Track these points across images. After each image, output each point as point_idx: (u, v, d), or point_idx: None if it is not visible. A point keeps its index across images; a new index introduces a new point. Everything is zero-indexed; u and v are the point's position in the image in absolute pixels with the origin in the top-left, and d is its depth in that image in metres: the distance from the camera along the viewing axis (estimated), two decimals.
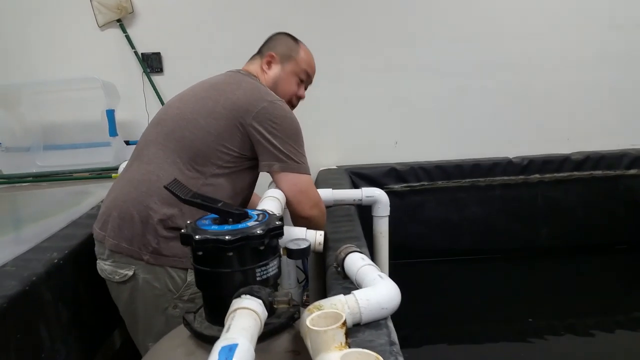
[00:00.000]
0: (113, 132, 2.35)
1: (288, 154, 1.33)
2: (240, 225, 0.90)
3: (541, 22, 2.66)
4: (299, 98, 1.61)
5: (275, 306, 0.90)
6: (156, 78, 2.63)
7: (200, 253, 0.88)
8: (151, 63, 2.62)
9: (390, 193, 2.59)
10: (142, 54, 2.61)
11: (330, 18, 2.62)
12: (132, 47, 2.59)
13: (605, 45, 2.70)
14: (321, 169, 2.65)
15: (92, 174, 2.28)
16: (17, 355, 1.02)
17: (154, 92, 2.60)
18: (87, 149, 2.51)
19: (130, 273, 1.24)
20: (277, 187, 1.37)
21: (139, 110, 2.61)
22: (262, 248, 0.89)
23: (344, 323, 0.80)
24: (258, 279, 0.90)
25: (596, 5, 2.67)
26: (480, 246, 2.73)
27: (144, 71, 2.60)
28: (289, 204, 1.38)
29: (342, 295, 0.96)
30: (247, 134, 1.32)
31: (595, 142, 2.77)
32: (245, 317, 0.80)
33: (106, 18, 2.56)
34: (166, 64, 2.64)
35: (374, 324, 0.96)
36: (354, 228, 1.59)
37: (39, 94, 2.52)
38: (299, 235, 1.29)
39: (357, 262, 1.14)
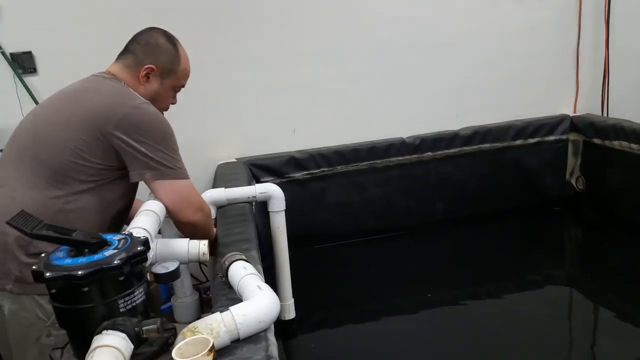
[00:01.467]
0: None
1: (160, 160, 1.27)
2: (96, 257, 0.85)
3: (420, 2, 2.74)
4: (172, 104, 1.55)
5: (144, 336, 0.87)
6: (30, 79, 2.42)
7: (53, 291, 0.83)
8: (22, 63, 2.40)
9: (291, 182, 2.65)
10: (11, 53, 2.38)
11: (218, 5, 2.53)
12: None
13: (485, 22, 2.83)
14: (219, 162, 2.59)
15: None
16: None
17: (28, 94, 2.40)
18: None
19: None
20: (155, 196, 1.32)
21: (14, 115, 2.37)
22: (121, 278, 0.85)
23: (211, 349, 0.79)
24: (122, 309, 0.87)
25: None
26: (382, 226, 2.82)
27: (15, 72, 2.38)
28: (169, 213, 1.33)
29: (218, 314, 0.95)
30: (109, 144, 1.24)
31: (482, 117, 2.92)
32: (104, 355, 0.77)
33: None
34: (40, 63, 2.43)
35: (254, 338, 0.96)
36: (245, 229, 1.57)
37: None
38: (181, 248, 1.26)
39: (239, 271, 1.13)
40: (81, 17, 2.42)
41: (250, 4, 2.57)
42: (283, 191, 2.56)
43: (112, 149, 1.24)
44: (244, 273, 1.10)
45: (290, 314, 1.96)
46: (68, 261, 0.84)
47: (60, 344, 0.96)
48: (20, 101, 2.40)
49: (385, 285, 2.42)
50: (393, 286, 2.41)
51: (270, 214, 1.86)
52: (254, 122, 2.70)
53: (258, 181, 2.58)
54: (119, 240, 0.91)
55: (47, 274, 0.81)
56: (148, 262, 1.19)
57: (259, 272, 1.24)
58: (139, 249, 0.88)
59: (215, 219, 1.75)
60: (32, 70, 2.43)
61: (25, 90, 2.40)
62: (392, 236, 2.83)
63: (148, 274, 0.92)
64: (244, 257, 1.19)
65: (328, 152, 2.69)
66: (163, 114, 1.47)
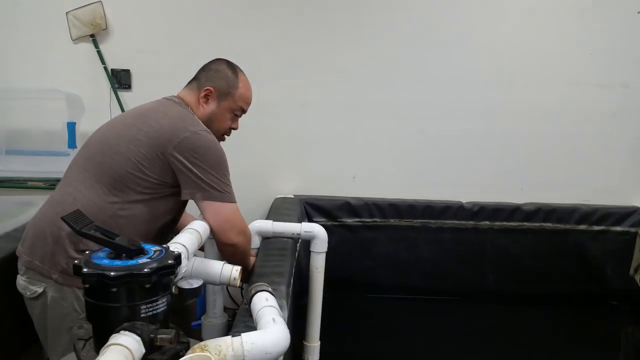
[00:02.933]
0: (72, 144, 2.38)
1: (210, 183, 1.37)
2: (130, 262, 0.93)
3: (505, 72, 2.74)
4: (233, 129, 1.65)
5: (157, 343, 0.94)
6: (124, 94, 2.68)
7: (87, 286, 0.92)
8: (120, 79, 2.66)
9: (342, 226, 2.70)
10: (112, 69, 2.66)
11: (297, 49, 2.69)
12: (103, 62, 2.64)
13: (565, 101, 2.79)
14: (277, 196, 2.69)
15: (45, 184, 2.31)
16: None
17: (119, 107, 2.64)
18: (47, 156, 2.54)
19: (40, 290, 1.27)
20: (202, 215, 1.42)
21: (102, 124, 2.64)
22: (147, 286, 0.92)
23: None
24: (143, 315, 0.94)
25: (557, 61, 2.76)
26: (428, 286, 2.77)
27: (112, 86, 2.65)
28: (213, 233, 1.42)
29: (229, 338, 1.00)
30: (167, 163, 1.36)
31: (548, 195, 2.84)
32: (115, 353, 0.83)
33: (80, 32, 2.61)
34: (135, 81, 2.69)
35: None
36: (283, 263, 1.62)
37: (6, 100, 2.55)
38: (215, 269, 1.34)
39: (260, 302, 1.17)
40: (176, 43, 2.67)
41: (326, 53, 2.70)
42: (333, 234, 2.65)
43: (169, 167, 1.36)
44: (264, 304, 1.15)
45: (314, 356, 1.97)
46: (105, 262, 0.93)
47: (86, 337, 1.04)
48: (111, 113, 2.65)
49: (417, 347, 2.36)
50: (425, 350, 2.35)
51: (311, 254, 1.90)
52: (316, 163, 2.79)
53: (310, 220, 2.66)
54: (155, 251, 1.00)
55: (84, 270, 0.90)
56: (180, 277, 1.29)
57: (282, 306, 1.28)
58: (169, 262, 0.96)
59: (258, 248, 1.83)
60: (127, 86, 2.68)
61: (117, 103, 2.64)
62: (435, 299, 2.77)
63: (174, 287, 0.99)
64: (270, 289, 1.24)
65: (383, 203, 2.71)
66: (224, 137, 1.62)
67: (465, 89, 2.74)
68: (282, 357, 1.13)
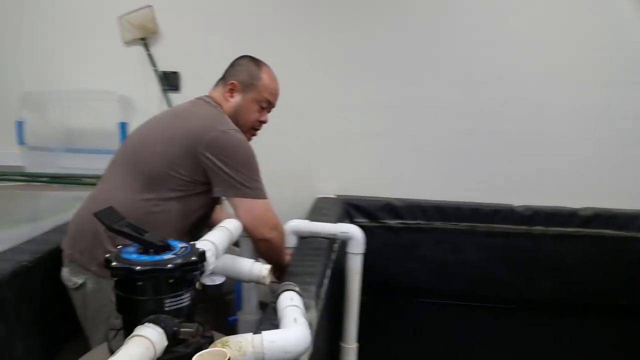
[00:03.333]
0: None
1: (241, 180, 1.39)
2: (156, 258, 0.96)
3: (563, 70, 2.62)
4: (262, 123, 1.65)
5: (180, 336, 0.96)
6: (173, 95, 2.77)
7: (116, 279, 0.96)
8: (169, 81, 2.76)
9: (384, 228, 2.67)
10: (162, 72, 2.75)
11: (340, 49, 2.68)
12: (153, 65, 2.74)
13: (628, 102, 2.63)
14: (319, 196, 2.70)
15: (97, 181, 2.41)
16: None
17: (167, 107, 2.74)
18: (102, 155, 2.66)
19: (81, 281, 1.33)
20: (234, 213, 1.44)
21: None
22: (171, 281, 0.95)
23: None
24: (167, 308, 0.96)
25: (621, 61, 2.61)
26: (474, 291, 2.69)
27: (161, 88, 2.74)
28: (246, 229, 1.43)
29: (250, 334, 1.01)
30: (199, 162, 1.39)
31: (607, 200, 2.68)
32: (136, 344, 0.86)
33: (131, 36, 2.72)
34: (183, 82, 2.78)
35: None
36: (316, 264, 1.62)
37: (65, 101, 2.70)
38: (244, 267, 1.35)
39: (285, 301, 1.18)
40: (223, 45, 2.71)
41: (369, 53, 2.68)
42: (374, 236, 2.64)
43: (200, 166, 1.39)
44: (288, 303, 1.15)
45: (352, 358, 1.96)
46: (134, 256, 0.97)
47: (119, 327, 1.09)
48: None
49: (459, 355, 2.29)
50: (468, 358, 2.28)
51: (347, 255, 1.89)
52: (360, 163, 2.78)
53: (352, 221, 2.64)
54: (181, 248, 1.02)
55: (113, 263, 0.94)
56: (209, 273, 1.31)
57: (309, 307, 1.29)
58: (192, 258, 0.98)
59: (295, 247, 1.84)
60: (176, 88, 2.77)
61: (166, 105, 2.74)
62: (482, 306, 2.68)
63: (198, 283, 1.01)
64: (297, 290, 1.24)
65: (427, 205, 2.66)
66: (255, 132, 1.64)
67: (517, 85, 2.64)
68: (305, 357, 1.13)
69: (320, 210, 2.38)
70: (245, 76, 1.58)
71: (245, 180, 1.40)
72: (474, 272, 2.68)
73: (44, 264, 1.38)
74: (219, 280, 1.01)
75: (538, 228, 2.61)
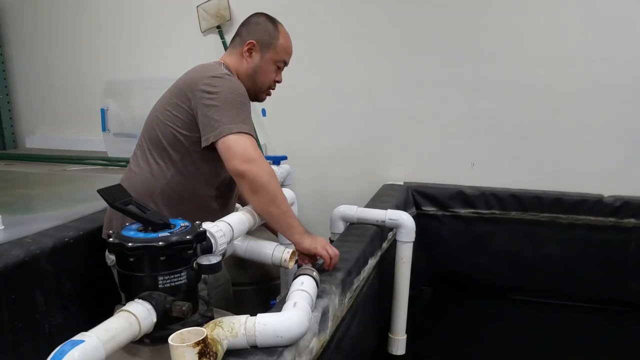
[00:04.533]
0: None
1: (222, 121, 1.30)
2: (151, 235, 0.98)
3: None
4: (277, 82, 1.59)
5: (174, 314, 0.98)
6: None
7: (113, 255, 0.99)
8: None
9: (455, 217, 2.53)
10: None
11: (415, 27, 2.55)
12: None
13: None
14: (386, 183, 2.61)
15: None
16: (8, 310, 1.24)
17: None
18: None
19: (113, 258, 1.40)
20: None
21: None
22: (162, 258, 0.96)
23: (199, 343, 0.84)
24: (161, 286, 0.98)
25: None
26: (554, 289, 2.45)
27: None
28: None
29: (245, 316, 1.00)
30: (193, 114, 1.35)
31: None
32: (119, 318, 0.89)
33: (208, 24, 2.83)
34: None
35: (271, 350, 0.98)
36: (354, 250, 1.57)
37: (145, 90, 2.87)
38: (267, 250, 1.35)
39: (295, 284, 1.16)
40: (291, 31, 2.72)
41: (446, 32, 2.52)
42: (444, 225, 2.52)
43: (194, 118, 1.35)
44: (296, 287, 1.12)
45: (399, 349, 1.88)
46: (131, 234, 0.99)
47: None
48: None
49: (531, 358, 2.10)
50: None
51: (397, 243, 1.80)
52: (431, 149, 2.64)
53: (418, 208, 2.53)
54: (182, 226, 1.03)
55: (110, 239, 0.98)
56: (228, 254, 1.32)
57: (327, 292, 1.24)
58: (187, 237, 0.99)
59: (340, 233, 1.80)
60: None
61: None
62: (562, 305, 2.43)
63: (194, 263, 1.01)
64: (314, 275, 1.20)
65: (503, 194, 2.46)
66: (270, 92, 1.58)
67: (609, 65, 2.34)
68: (313, 343, 1.10)
69: (380, 197, 2.31)
70: (264, 35, 1.51)
71: (228, 120, 1.30)
72: (553, 267, 2.44)
73: (88, 240, 1.47)
74: (215, 259, 1.00)
75: (629, 221, 2.31)
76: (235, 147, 1.28)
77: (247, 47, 1.50)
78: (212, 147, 1.32)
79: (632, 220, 2.32)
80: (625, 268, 2.36)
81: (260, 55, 1.51)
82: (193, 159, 1.40)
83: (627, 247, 2.34)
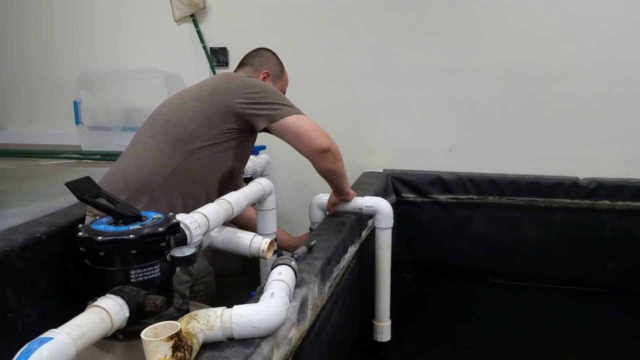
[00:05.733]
0: None
1: (276, 107, 1.45)
2: (121, 228, 0.96)
3: (632, 26, 2.30)
4: None
5: (147, 309, 0.96)
6: (221, 71, 2.79)
7: (82, 249, 0.96)
8: (218, 57, 2.78)
9: (434, 203, 2.54)
10: (210, 48, 2.78)
11: (388, 12, 2.54)
12: (202, 41, 2.77)
13: None
14: (365, 170, 2.61)
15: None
16: None
17: None
18: None
19: None
20: (286, 140, 1.48)
21: None
22: (134, 252, 0.94)
23: (172, 337, 0.83)
24: (133, 280, 0.96)
25: None
26: (533, 272, 2.49)
27: (210, 64, 2.78)
28: (304, 147, 1.47)
29: (220, 309, 0.98)
30: (231, 111, 1.46)
31: None
32: (90, 314, 0.86)
33: (182, 13, 2.77)
34: (232, 58, 2.79)
35: (248, 342, 0.96)
36: (332, 239, 1.56)
37: (119, 81, 2.82)
38: (244, 241, 1.33)
39: (273, 275, 1.14)
40: (269, 20, 2.70)
41: (419, 16, 2.52)
42: (423, 211, 2.54)
43: (233, 113, 1.46)
44: (274, 278, 1.11)
45: (384, 336, 1.88)
46: (101, 227, 0.97)
47: None
48: None
49: (512, 340, 2.12)
50: (519, 342, 2.10)
51: (375, 230, 1.80)
52: (411, 136, 2.64)
53: (398, 195, 2.54)
54: (154, 219, 1.01)
55: (79, 234, 0.95)
56: (204, 247, 1.30)
57: (307, 282, 1.24)
58: (159, 229, 0.97)
59: (320, 223, 1.79)
60: (225, 63, 2.79)
61: None
62: (541, 288, 2.47)
63: (168, 255, 0.99)
64: (292, 265, 1.19)
65: (480, 179, 2.48)
66: None
67: (585, 44, 2.36)
68: (291, 335, 1.09)
69: (359, 184, 2.30)
70: (275, 68, 1.76)
71: (282, 105, 1.46)
72: (532, 250, 2.47)
73: (62, 235, 1.43)
74: (189, 251, 0.98)
75: (603, 202, 2.35)
76: (314, 126, 1.47)
77: (263, 76, 1.70)
78: (235, 145, 1.49)
79: (607, 202, 2.36)
80: (601, 249, 2.40)
81: (273, 84, 1.71)
82: (212, 147, 1.47)
83: (602, 228, 2.38)
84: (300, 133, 1.45)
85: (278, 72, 1.77)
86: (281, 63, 1.80)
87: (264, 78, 1.70)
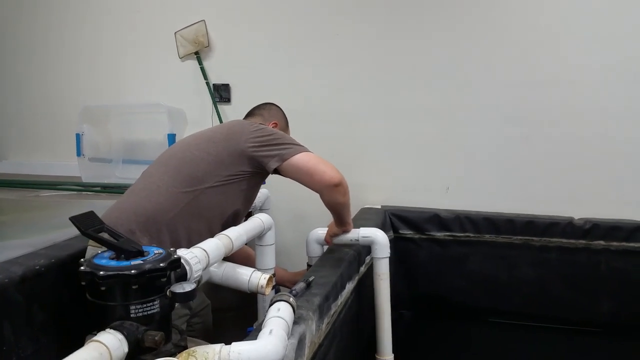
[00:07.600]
0: None
1: (286, 147, 1.54)
2: (123, 263, 0.98)
3: (628, 70, 2.37)
4: None
5: (146, 344, 0.96)
6: (224, 107, 2.85)
7: (83, 283, 0.98)
8: (220, 93, 2.84)
9: (431, 240, 2.55)
10: (213, 84, 2.85)
11: (387, 53, 2.61)
12: (205, 77, 2.84)
13: None
14: (364, 207, 2.63)
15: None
16: None
17: (218, 119, 2.81)
18: None
19: None
20: (298, 179, 1.55)
21: None
22: (135, 287, 0.95)
23: None
24: (133, 315, 0.97)
25: None
26: (529, 311, 2.48)
27: (212, 100, 2.83)
28: (316, 182, 1.53)
29: (219, 345, 0.99)
30: (243, 154, 1.53)
31: None
32: (91, 349, 0.87)
33: (186, 50, 2.85)
34: (234, 94, 2.85)
35: None
36: (331, 275, 1.57)
37: (122, 115, 2.87)
38: (243, 276, 1.34)
39: (272, 311, 1.15)
40: (271, 58, 2.77)
41: (417, 57, 2.59)
42: (421, 248, 2.55)
43: (245, 156, 1.54)
44: (273, 314, 1.12)
45: None
46: (103, 262, 0.98)
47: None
48: (213, 124, 2.82)
49: None
50: None
51: (373, 260, 1.82)
52: (409, 173, 2.67)
53: (396, 232, 2.55)
54: (155, 254, 1.03)
55: (81, 268, 0.97)
56: (204, 281, 1.31)
57: (305, 318, 1.24)
58: (160, 265, 0.98)
59: (318, 257, 1.80)
60: (227, 100, 2.85)
61: (217, 116, 2.82)
62: (537, 327, 2.46)
63: (168, 291, 1.00)
64: (291, 301, 1.20)
65: (477, 217, 2.50)
66: None
67: (579, 87, 2.42)
68: None
69: (358, 220, 2.32)
70: (282, 120, 1.90)
71: (291, 145, 1.55)
72: (528, 289, 2.47)
73: (60, 268, 1.44)
74: (189, 287, 0.99)
75: (598, 243, 2.36)
76: (323, 161, 1.54)
77: (272, 125, 1.82)
78: (243, 187, 1.56)
79: (602, 242, 2.37)
80: (596, 289, 2.41)
81: None
82: (222, 188, 1.53)
83: (597, 268, 2.39)
84: (310, 168, 1.51)
85: (284, 125, 1.90)
86: (286, 118, 1.93)
87: (273, 127, 1.79)
